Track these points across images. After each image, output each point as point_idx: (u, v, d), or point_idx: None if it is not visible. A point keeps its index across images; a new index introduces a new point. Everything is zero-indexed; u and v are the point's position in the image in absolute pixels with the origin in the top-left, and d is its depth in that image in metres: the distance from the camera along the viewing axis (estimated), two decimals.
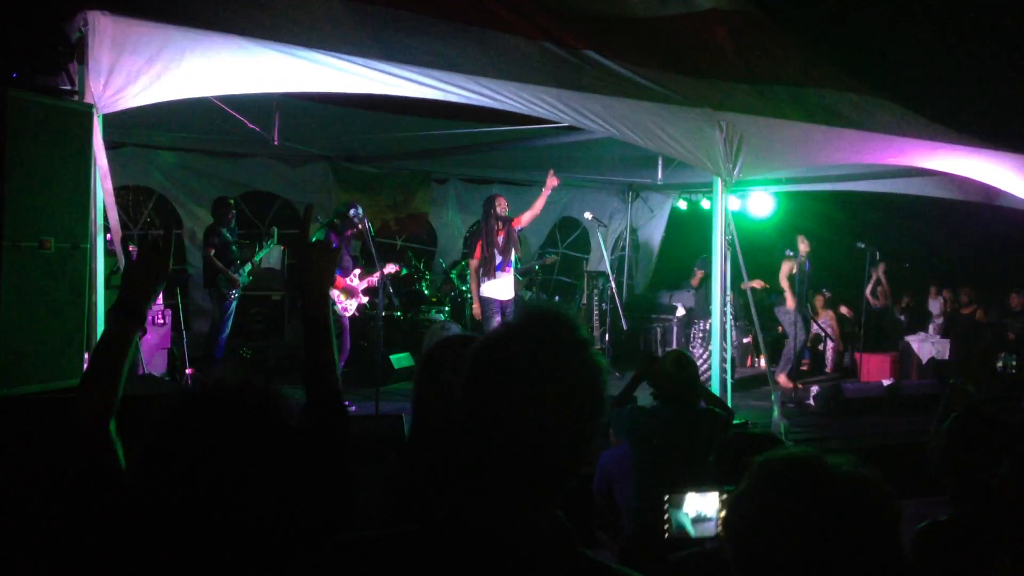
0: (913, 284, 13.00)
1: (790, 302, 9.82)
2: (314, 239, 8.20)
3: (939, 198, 9.29)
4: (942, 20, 14.64)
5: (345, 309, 7.79)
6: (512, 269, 7.93)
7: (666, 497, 1.91)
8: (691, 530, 2.01)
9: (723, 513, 1.87)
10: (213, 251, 8.20)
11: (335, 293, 7.78)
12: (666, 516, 1.89)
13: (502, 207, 7.85)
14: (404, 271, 9.69)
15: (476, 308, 8.01)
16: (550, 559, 1.18)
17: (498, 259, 7.75)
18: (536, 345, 1.19)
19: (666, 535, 1.88)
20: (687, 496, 1.94)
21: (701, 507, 1.94)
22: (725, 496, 1.87)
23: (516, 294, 8.10)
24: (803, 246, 9.85)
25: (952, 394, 3.04)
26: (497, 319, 7.61)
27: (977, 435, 2.43)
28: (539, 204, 7.95)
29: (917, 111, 8.04)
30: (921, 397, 8.71)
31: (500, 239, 7.80)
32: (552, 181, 7.76)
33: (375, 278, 7.84)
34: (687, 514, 1.94)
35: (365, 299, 8.02)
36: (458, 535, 1.19)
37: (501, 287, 7.85)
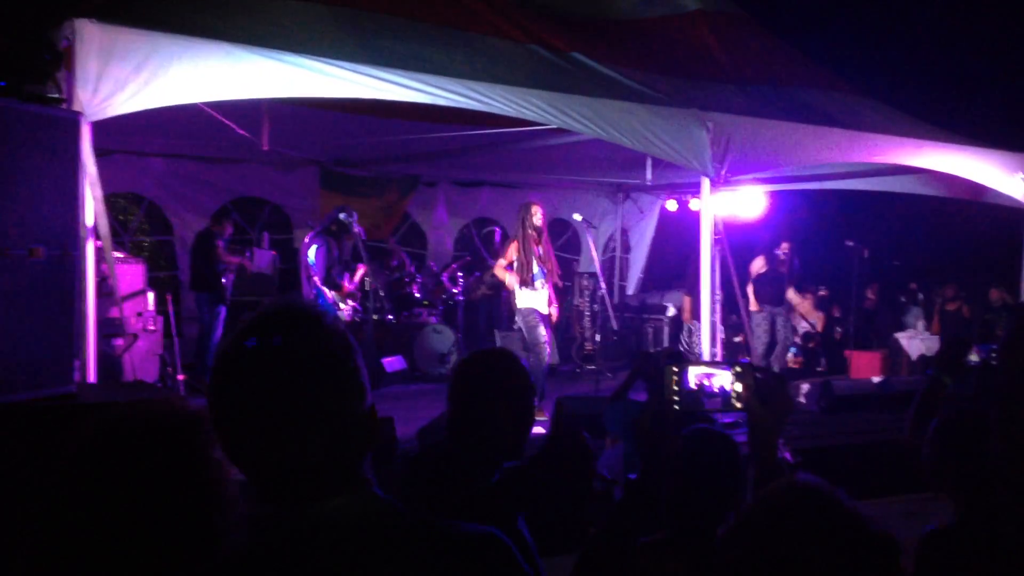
0: (898, 282, 13.08)
1: (752, 304, 9.88)
2: (313, 251, 8.09)
3: (926, 195, 9.34)
4: (926, 19, 14.73)
5: (347, 314, 7.86)
6: (544, 283, 7.37)
7: (675, 368, 1.88)
8: (703, 402, 1.98)
9: (736, 386, 1.86)
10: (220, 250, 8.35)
11: (333, 296, 7.81)
12: (676, 388, 1.87)
13: (538, 217, 7.30)
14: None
15: (510, 281, 7.39)
16: (381, 533, 1.18)
17: (536, 268, 7.24)
18: (271, 337, 1.22)
19: (676, 407, 1.86)
20: (695, 369, 1.92)
21: (710, 381, 1.92)
22: (738, 370, 1.87)
23: (559, 307, 7.75)
24: (783, 247, 9.92)
25: (929, 386, 3.04)
26: (542, 329, 7.19)
27: (971, 438, 2.39)
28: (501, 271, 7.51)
29: (902, 110, 8.10)
30: (911, 393, 8.70)
31: (537, 249, 7.29)
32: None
33: (356, 278, 7.95)
34: (696, 388, 1.92)
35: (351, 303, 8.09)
36: (278, 542, 1.18)
37: (541, 299, 7.34)
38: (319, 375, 1.20)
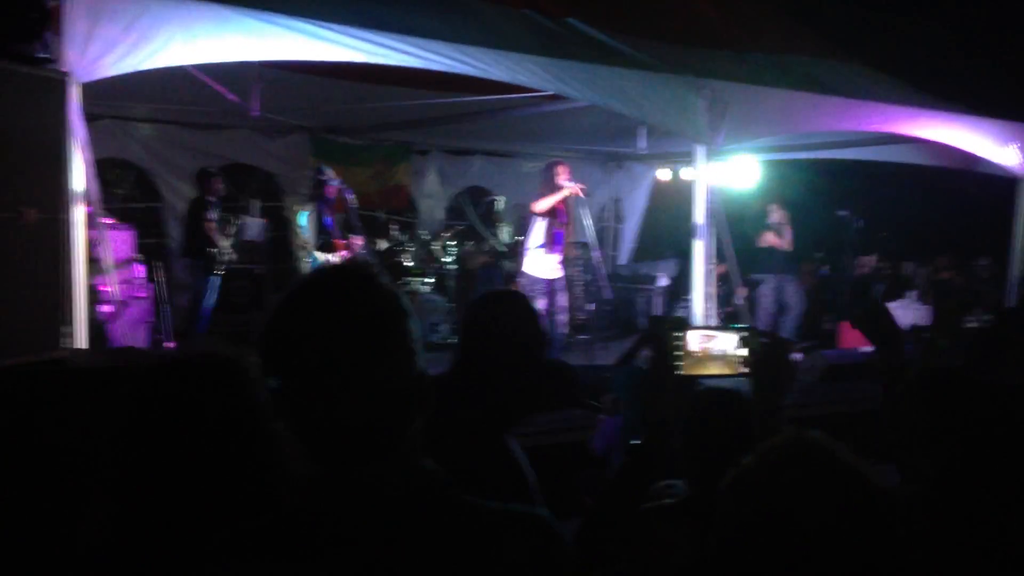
0: (890, 251, 13.09)
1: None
2: (302, 216, 8.02)
3: (920, 164, 9.33)
4: None
5: None
6: (561, 246, 7.41)
7: (678, 333, 1.87)
8: (706, 366, 1.97)
9: (741, 351, 1.85)
10: (211, 223, 8.22)
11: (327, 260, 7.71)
12: (679, 352, 1.86)
13: (565, 175, 7.26)
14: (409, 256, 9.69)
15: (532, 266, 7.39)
16: (419, 506, 1.17)
17: (557, 228, 7.25)
18: (317, 300, 1.21)
19: (679, 370, 1.85)
20: (698, 332, 1.91)
21: (713, 345, 1.91)
22: (744, 335, 1.85)
23: (564, 273, 7.62)
24: (776, 215, 9.88)
25: (925, 349, 3.04)
26: (542, 301, 7.11)
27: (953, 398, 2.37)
28: (550, 201, 7.36)
29: (897, 77, 8.06)
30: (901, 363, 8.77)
31: (558, 210, 7.28)
32: (575, 189, 7.30)
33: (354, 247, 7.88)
34: (699, 351, 1.91)
35: None
36: (314, 509, 1.18)
37: (549, 264, 7.35)
38: (369, 336, 1.18)
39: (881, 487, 1.32)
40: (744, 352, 1.86)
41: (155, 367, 1.50)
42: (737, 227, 9.54)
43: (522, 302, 2.41)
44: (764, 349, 1.86)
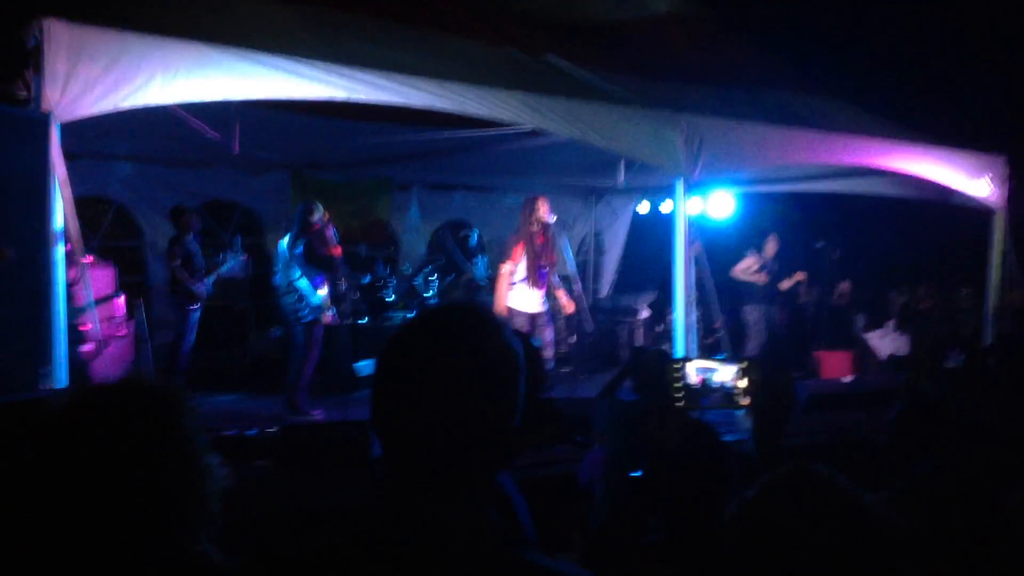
0: (868, 282, 13.20)
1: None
2: (286, 241, 7.90)
3: (894, 197, 9.45)
4: (894, 20, 14.92)
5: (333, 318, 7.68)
6: (545, 281, 7.47)
7: (678, 365, 1.86)
8: (705, 399, 1.96)
9: (741, 383, 1.84)
10: (179, 261, 8.11)
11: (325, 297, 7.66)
12: (679, 384, 1.85)
13: (544, 210, 7.33)
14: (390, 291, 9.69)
15: (501, 305, 7.44)
16: (476, 558, 1.17)
17: (539, 265, 7.30)
18: (443, 336, 1.21)
19: (679, 403, 1.84)
20: (696, 364, 1.90)
21: (712, 376, 1.90)
22: (744, 365, 1.85)
23: (547, 307, 7.69)
24: (772, 246, 9.99)
25: (905, 390, 3.08)
26: (525, 330, 7.15)
27: (924, 429, 2.42)
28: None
29: (872, 111, 8.19)
30: (882, 393, 8.81)
31: (539, 245, 7.34)
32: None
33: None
34: (698, 383, 1.90)
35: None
36: (378, 539, 1.18)
37: (532, 299, 7.41)
38: (475, 381, 1.18)
39: (884, 518, 1.33)
40: (744, 383, 1.86)
41: (76, 400, 1.48)
42: (719, 258, 9.65)
43: (523, 337, 2.39)
44: (766, 379, 1.86)
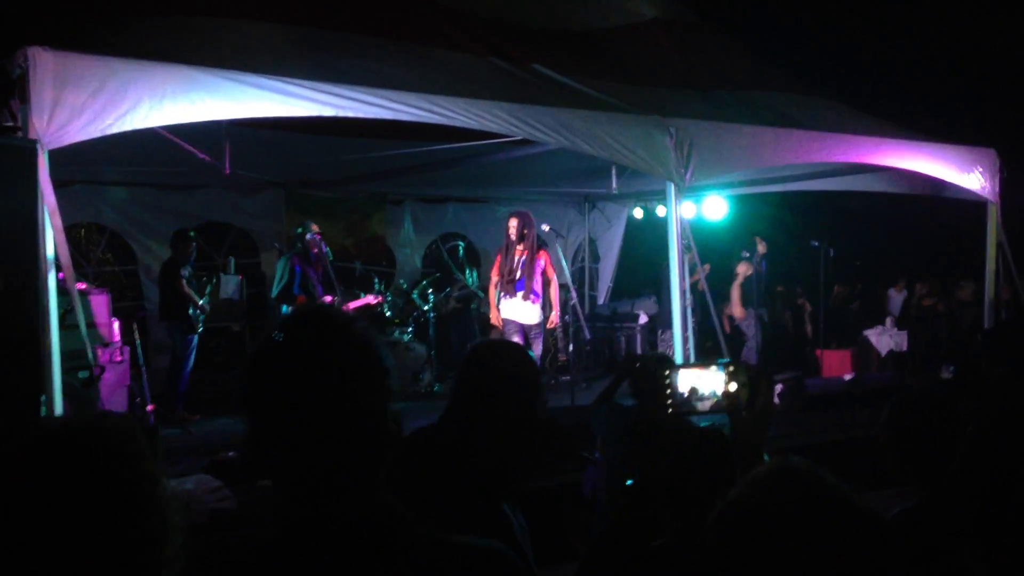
0: (865, 279, 13.21)
1: (737, 310, 9.98)
2: (280, 270, 7.95)
3: (888, 192, 9.45)
4: (881, 16, 14.97)
5: None
6: (533, 295, 7.92)
7: (667, 372, 1.85)
8: (695, 405, 1.95)
9: (730, 386, 1.82)
10: (184, 281, 8.17)
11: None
12: (668, 391, 1.84)
13: (512, 228, 7.89)
14: (385, 307, 9.72)
15: (495, 316, 8.01)
16: (383, 540, 1.19)
17: (512, 277, 7.81)
18: (305, 340, 1.25)
19: (669, 409, 1.83)
20: (686, 371, 1.89)
21: (701, 382, 1.88)
22: (731, 369, 1.83)
23: (540, 320, 8.08)
24: (760, 247, 10.00)
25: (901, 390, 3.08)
26: (517, 339, 7.61)
27: (926, 419, 2.44)
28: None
29: (860, 109, 8.20)
30: (882, 390, 8.84)
31: (514, 259, 7.87)
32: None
33: (362, 302, 7.95)
34: (686, 390, 1.88)
35: None
36: (297, 533, 1.21)
37: (520, 310, 7.86)
38: (341, 375, 1.22)
39: (868, 510, 1.32)
40: (732, 387, 1.85)
41: (32, 439, 1.44)
42: (715, 262, 9.66)
43: (521, 354, 2.38)
44: (751, 383, 1.85)
